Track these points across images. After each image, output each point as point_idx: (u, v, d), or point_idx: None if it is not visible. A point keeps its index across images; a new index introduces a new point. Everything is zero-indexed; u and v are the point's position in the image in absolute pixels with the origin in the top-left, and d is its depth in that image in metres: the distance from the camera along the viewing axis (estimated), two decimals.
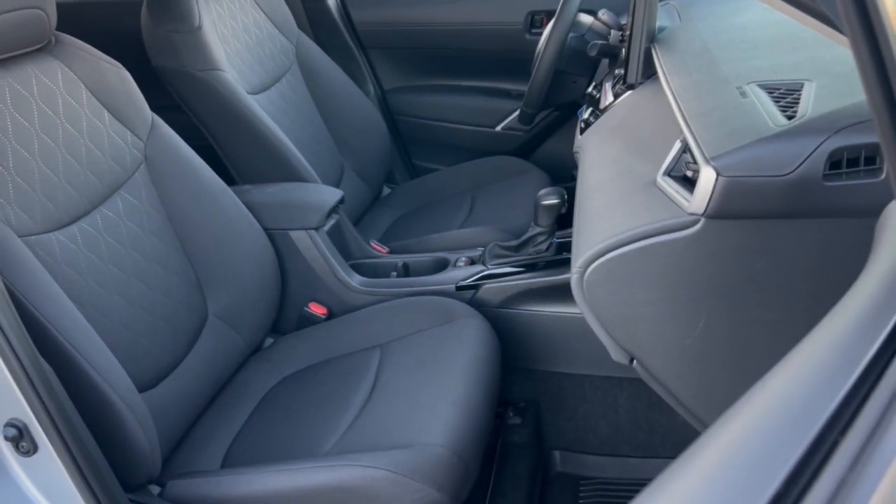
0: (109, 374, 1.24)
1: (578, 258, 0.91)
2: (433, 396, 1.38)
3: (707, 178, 0.83)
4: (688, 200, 0.84)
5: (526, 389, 1.74)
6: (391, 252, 1.97)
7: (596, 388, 1.68)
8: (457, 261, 1.81)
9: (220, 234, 1.65)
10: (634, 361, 0.92)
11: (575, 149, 1.51)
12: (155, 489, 1.34)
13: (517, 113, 2.36)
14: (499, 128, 2.48)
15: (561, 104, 2.04)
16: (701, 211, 0.83)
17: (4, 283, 1.16)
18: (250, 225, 1.71)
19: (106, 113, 1.52)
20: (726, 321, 0.83)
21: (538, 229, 1.69)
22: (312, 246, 1.76)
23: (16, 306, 1.17)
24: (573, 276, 0.94)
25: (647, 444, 1.67)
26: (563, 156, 2.50)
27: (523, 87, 2.41)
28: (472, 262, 1.80)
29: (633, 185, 0.98)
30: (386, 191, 2.53)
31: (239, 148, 1.94)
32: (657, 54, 1.27)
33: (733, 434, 0.45)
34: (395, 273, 1.83)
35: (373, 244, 1.97)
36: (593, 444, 1.71)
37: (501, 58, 2.46)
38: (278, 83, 2.17)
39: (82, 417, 1.15)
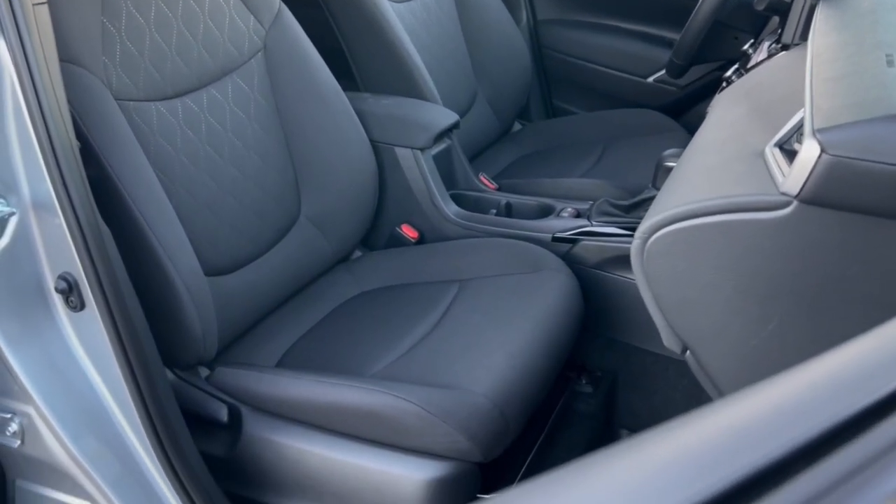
0: (174, 250, 1.25)
1: (646, 222, 0.79)
2: (492, 343, 1.30)
3: (808, 152, 0.67)
4: (784, 177, 0.69)
5: (605, 359, 1.62)
6: (499, 189, 1.88)
7: (683, 375, 1.54)
8: (562, 210, 1.69)
9: (326, 136, 1.62)
10: (688, 352, 0.79)
11: (708, 108, 1.34)
12: (204, 371, 1.36)
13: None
14: (650, 79, 2.28)
15: (717, 60, 1.83)
16: (795, 192, 0.68)
17: (86, 140, 1.18)
18: (358, 133, 1.66)
19: None
20: (802, 327, 0.69)
21: (655, 192, 1.54)
22: (415, 167, 1.70)
23: (94, 165, 1.19)
24: (634, 241, 0.82)
25: None
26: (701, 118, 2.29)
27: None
28: (577, 214, 1.67)
29: (739, 151, 0.83)
30: (516, 127, 2.42)
31: (367, 55, 1.89)
32: (820, 12, 1.07)
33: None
34: (494, 211, 1.74)
35: (482, 177, 1.88)
36: None
37: (669, 3, 2.25)
38: None
39: (139, 289, 1.16)
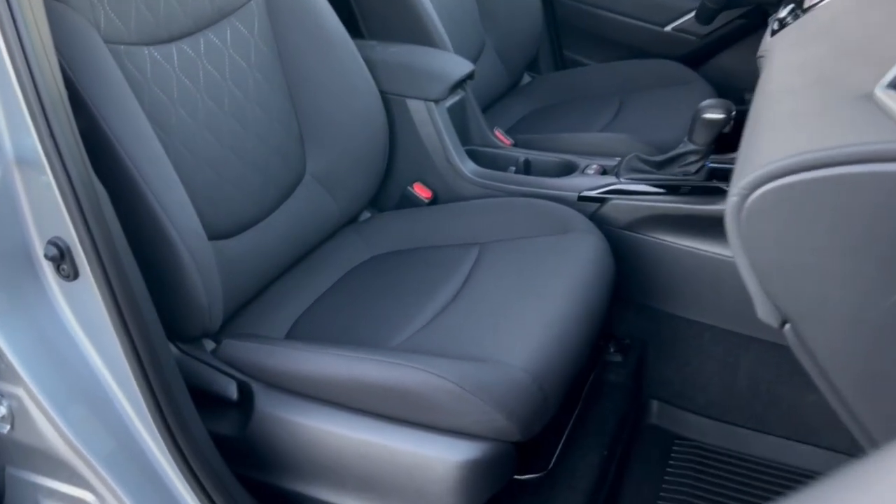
0: (176, 211, 1.12)
1: (743, 177, 0.68)
2: (525, 312, 1.19)
3: None
4: None
5: (635, 326, 1.52)
6: (515, 145, 1.76)
7: (718, 342, 1.45)
8: (586, 167, 1.57)
9: (333, 86, 1.49)
10: (787, 325, 0.69)
11: (760, 53, 1.22)
12: (210, 344, 1.24)
13: (694, 11, 2.04)
14: (669, 27, 2.16)
15: (750, 4, 1.70)
16: None
17: (74, 89, 1.05)
18: (367, 83, 1.53)
19: None
20: None
21: (691, 146, 1.43)
22: (429, 120, 1.57)
23: (85, 117, 1.06)
24: (731, 198, 0.71)
25: (762, 417, 1.43)
26: (735, 72, 2.18)
27: None
28: (603, 171, 1.56)
29: (837, 95, 0.72)
30: (526, 79, 2.29)
31: (373, 1, 1.74)
32: None
33: None
34: (513, 168, 1.62)
35: (496, 132, 1.76)
36: (699, 402, 1.49)
37: None
38: None
39: (139, 255, 1.04)
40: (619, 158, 1.58)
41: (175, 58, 1.26)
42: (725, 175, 1.45)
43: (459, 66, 1.61)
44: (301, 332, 1.30)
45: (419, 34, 1.71)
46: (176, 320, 1.16)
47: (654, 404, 1.52)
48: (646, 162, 1.50)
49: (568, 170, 1.59)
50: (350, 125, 1.51)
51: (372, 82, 1.54)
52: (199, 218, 1.21)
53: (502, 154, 1.69)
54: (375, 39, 1.76)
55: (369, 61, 1.55)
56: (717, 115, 1.39)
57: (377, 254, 1.52)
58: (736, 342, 1.43)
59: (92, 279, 0.96)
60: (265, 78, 1.42)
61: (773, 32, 1.26)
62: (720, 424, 1.46)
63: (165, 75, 1.24)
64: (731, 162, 1.51)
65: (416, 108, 1.57)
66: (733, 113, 1.39)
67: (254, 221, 1.37)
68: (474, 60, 2.02)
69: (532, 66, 2.30)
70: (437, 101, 1.57)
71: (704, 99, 1.94)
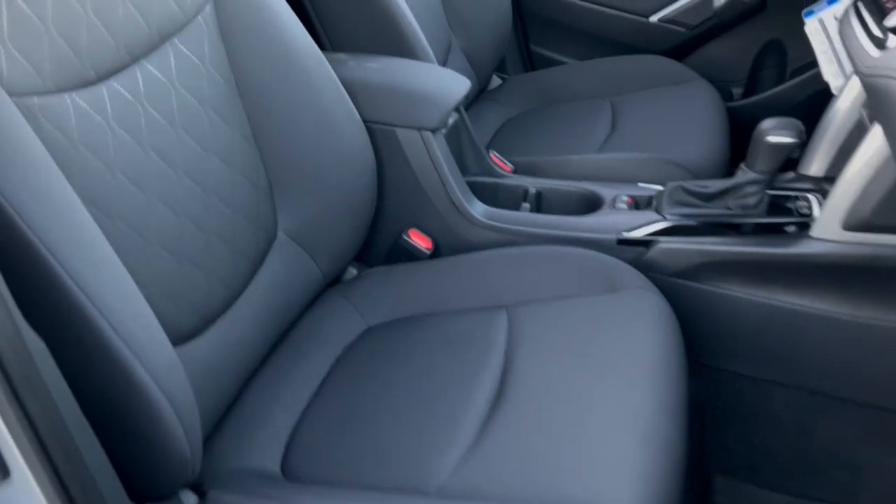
0: (139, 338, 0.79)
1: None
2: (608, 417, 0.93)
3: None
4: None
5: (690, 388, 1.28)
6: (515, 171, 1.48)
7: (790, 404, 1.23)
8: (616, 199, 1.32)
9: (306, 119, 1.17)
10: None
11: (869, 72, 0.98)
12: (190, 499, 0.91)
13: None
14: (654, 18, 1.92)
15: None
16: None
17: None
18: (347, 113, 1.22)
19: None
20: None
21: (751, 175, 1.19)
22: (425, 153, 1.27)
23: None
24: None
25: (848, 487, 1.23)
26: (723, 64, 1.97)
27: None
28: (636, 204, 1.31)
29: None
30: (495, 81, 2.01)
31: (335, 5, 1.41)
32: None
33: None
34: (527, 206, 1.35)
35: (493, 156, 1.48)
36: (769, 473, 1.27)
37: None
38: None
39: (92, 405, 0.71)
40: (651, 187, 1.34)
41: (108, 104, 0.91)
42: (787, 207, 1.22)
43: (457, 85, 1.31)
44: (302, 461, 0.99)
45: (396, 43, 1.40)
46: (150, 478, 0.83)
47: (718, 479, 1.29)
48: (692, 193, 1.26)
49: (592, 204, 1.33)
50: (329, 166, 1.20)
51: (353, 111, 1.22)
52: (159, 321, 0.88)
53: (505, 185, 1.41)
54: (340, 49, 1.44)
55: (345, 83, 1.23)
56: (785, 140, 1.15)
57: (373, 324, 1.22)
58: (812, 402, 1.22)
59: (31, 476, 0.63)
60: (223, 118, 1.08)
61: (879, 43, 1.02)
62: (797, 501, 1.25)
63: (96, 130, 0.89)
64: (792, 188, 1.29)
65: (409, 139, 1.27)
66: (804, 134, 1.16)
67: (223, 309, 1.05)
68: (442, 64, 1.72)
69: (499, 66, 2.01)
70: (434, 131, 1.26)
71: (708, 99, 1.73)
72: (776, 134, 1.15)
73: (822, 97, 1.75)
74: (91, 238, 0.81)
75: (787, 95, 1.84)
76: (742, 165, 1.21)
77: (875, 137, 1.06)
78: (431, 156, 1.27)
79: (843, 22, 1.17)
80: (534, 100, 1.87)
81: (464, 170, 1.40)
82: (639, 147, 1.52)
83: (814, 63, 1.86)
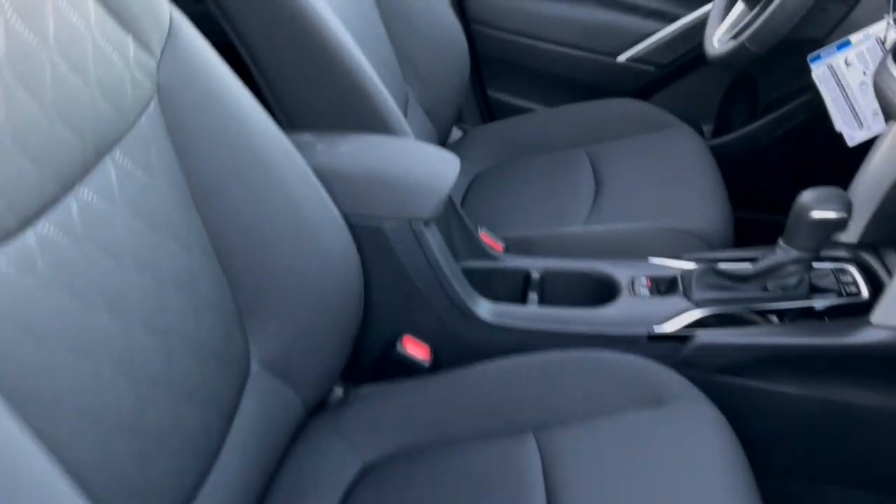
0: None
1: None
2: None
3: None
4: None
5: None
6: (508, 249, 1.30)
7: None
8: (634, 282, 1.16)
9: (277, 223, 0.96)
10: None
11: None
12: None
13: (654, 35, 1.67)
14: (622, 58, 1.78)
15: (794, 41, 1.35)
16: None
17: None
18: (325, 211, 1.01)
19: (91, 3, 0.78)
20: None
21: (794, 253, 1.05)
22: (416, 247, 1.08)
23: None
24: None
25: None
26: (691, 102, 1.86)
27: (658, 3, 1.74)
28: (656, 286, 1.15)
29: None
30: (455, 134, 1.83)
31: (290, 73, 1.19)
32: None
33: None
34: (534, 295, 1.17)
35: (482, 234, 1.29)
36: None
37: None
38: None
39: None
40: (662, 263, 1.19)
41: (37, 257, 0.68)
42: (826, 286, 1.09)
43: (447, 165, 1.12)
44: None
45: (366, 115, 1.20)
46: None
47: None
48: (724, 275, 1.11)
49: (607, 288, 1.17)
50: (306, 275, 0.99)
51: (331, 206, 1.02)
52: None
53: (502, 269, 1.23)
54: (299, 127, 1.23)
55: (317, 172, 1.02)
56: (832, 215, 1.02)
57: (370, 461, 1.02)
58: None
59: None
60: (178, 239, 0.86)
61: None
62: None
63: (23, 295, 0.66)
64: (826, 257, 1.16)
65: (399, 232, 1.07)
66: (851, 206, 1.03)
67: (194, 488, 0.82)
68: None
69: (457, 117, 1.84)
70: (427, 222, 1.07)
71: (694, 150, 1.59)
72: (822, 209, 1.02)
73: (799, 133, 1.65)
74: (13, 457, 0.58)
75: (763, 132, 1.74)
76: (780, 242, 1.07)
77: None
78: (425, 250, 1.07)
79: (880, 72, 1.05)
80: (501, 152, 1.70)
81: (454, 255, 1.21)
82: (638, 212, 1.37)
83: (787, 98, 1.76)
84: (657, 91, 1.85)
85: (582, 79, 1.84)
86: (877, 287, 1.07)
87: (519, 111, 1.82)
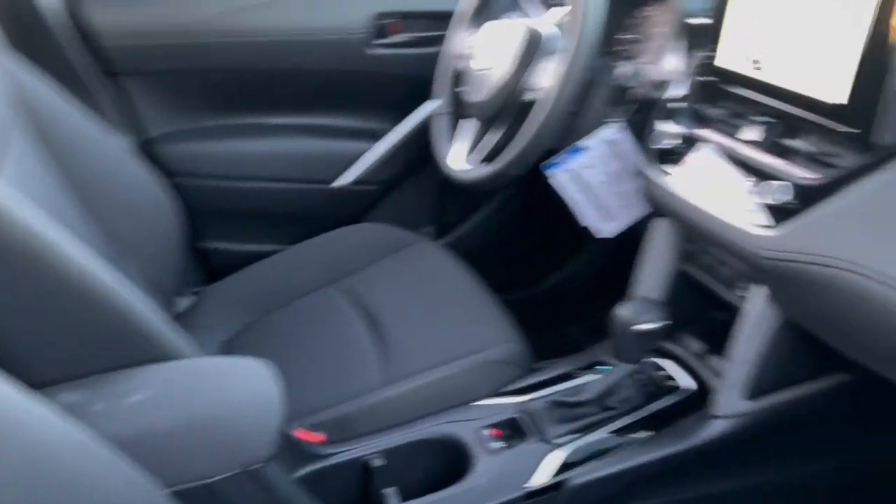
0: None
1: None
2: None
3: None
4: None
5: None
6: (330, 439, 1.13)
7: None
8: (479, 438, 1.08)
9: None
10: None
11: (770, 256, 0.91)
12: None
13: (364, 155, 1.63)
14: (336, 184, 1.70)
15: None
16: None
17: None
18: (135, 490, 0.77)
19: None
20: None
21: (626, 369, 1.07)
22: (265, 495, 0.88)
23: None
24: None
25: None
26: (409, 209, 1.86)
27: (362, 122, 1.72)
28: (508, 438, 1.09)
29: None
30: (184, 303, 1.58)
31: (17, 318, 0.89)
32: None
33: None
34: (391, 492, 1.03)
35: (297, 433, 1.11)
36: None
37: (332, 80, 1.70)
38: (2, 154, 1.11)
39: None
40: (489, 403, 1.14)
41: None
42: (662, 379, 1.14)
43: (259, 376, 0.93)
44: None
45: (125, 340, 0.94)
46: None
47: None
48: (567, 405, 1.09)
49: (456, 453, 1.08)
50: None
51: (142, 482, 0.78)
52: None
53: (334, 465, 1.07)
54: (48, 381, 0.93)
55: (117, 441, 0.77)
56: (652, 326, 1.06)
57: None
58: None
59: None
60: None
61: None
62: None
63: None
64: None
65: (233, 483, 0.86)
66: (669, 314, 1.08)
67: None
68: None
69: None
70: (267, 460, 0.88)
71: (439, 260, 1.57)
72: (642, 322, 1.05)
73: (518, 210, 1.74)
74: None
75: (492, 224, 1.83)
76: (605, 360, 1.09)
77: (755, 300, 1.02)
78: (275, 495, 0.88)
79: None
80: (247, 311, 1.50)
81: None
82: (434, 357, 1.26)
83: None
84: (375, 208, 1.82)
85: (305, 211, 1.72)
86: (692, 371, 1.14)
87: (252, 258, 1.63)
